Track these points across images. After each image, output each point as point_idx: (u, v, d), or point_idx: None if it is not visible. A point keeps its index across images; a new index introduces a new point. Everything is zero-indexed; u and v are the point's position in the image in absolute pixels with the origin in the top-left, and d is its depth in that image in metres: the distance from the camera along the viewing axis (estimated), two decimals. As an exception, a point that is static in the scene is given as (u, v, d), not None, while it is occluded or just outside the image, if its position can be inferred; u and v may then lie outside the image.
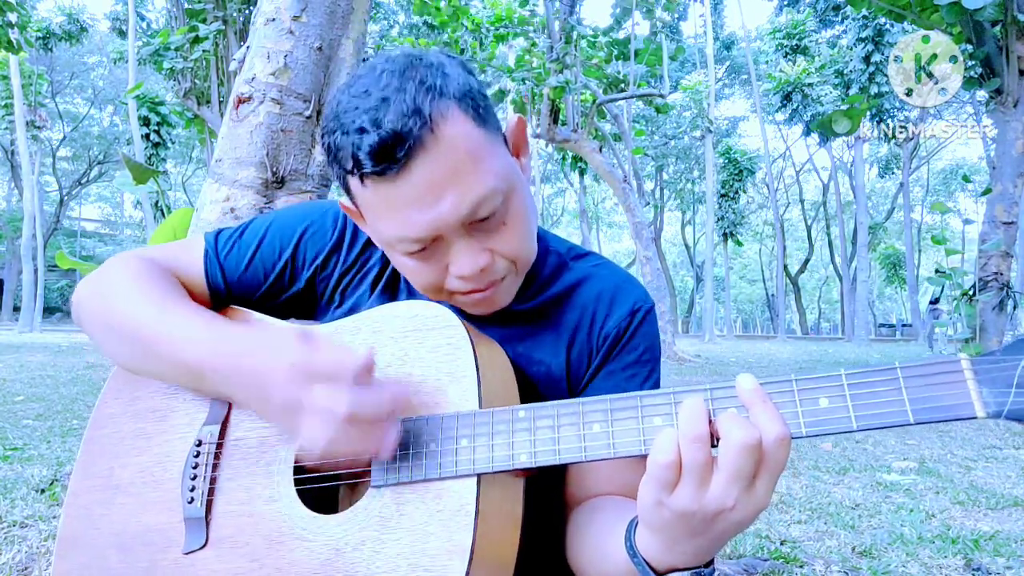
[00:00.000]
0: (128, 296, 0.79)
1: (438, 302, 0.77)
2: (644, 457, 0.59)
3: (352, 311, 0.88)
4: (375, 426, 0.64)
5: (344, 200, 0.79)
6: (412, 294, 0.88)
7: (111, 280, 0.82)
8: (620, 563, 0.63)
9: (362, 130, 0.66)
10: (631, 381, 0.83)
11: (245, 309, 0.88)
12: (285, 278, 0.88)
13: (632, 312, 0.85)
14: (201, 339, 0.72)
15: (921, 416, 0.54)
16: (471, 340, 0.72)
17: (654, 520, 0.57)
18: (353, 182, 0.71)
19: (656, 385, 0.86)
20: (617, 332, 0.84)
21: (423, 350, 0.73)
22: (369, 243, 0.89)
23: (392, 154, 0.65)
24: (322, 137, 0.72)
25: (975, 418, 0.52)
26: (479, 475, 0.66)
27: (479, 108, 0.70)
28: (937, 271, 6.58)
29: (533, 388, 0.84)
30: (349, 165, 0.68)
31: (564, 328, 0.85)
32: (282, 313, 0.90)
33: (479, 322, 0.85)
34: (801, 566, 2.08)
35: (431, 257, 0.73)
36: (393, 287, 0.89)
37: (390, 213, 0.69)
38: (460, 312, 0.84)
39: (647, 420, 0.62)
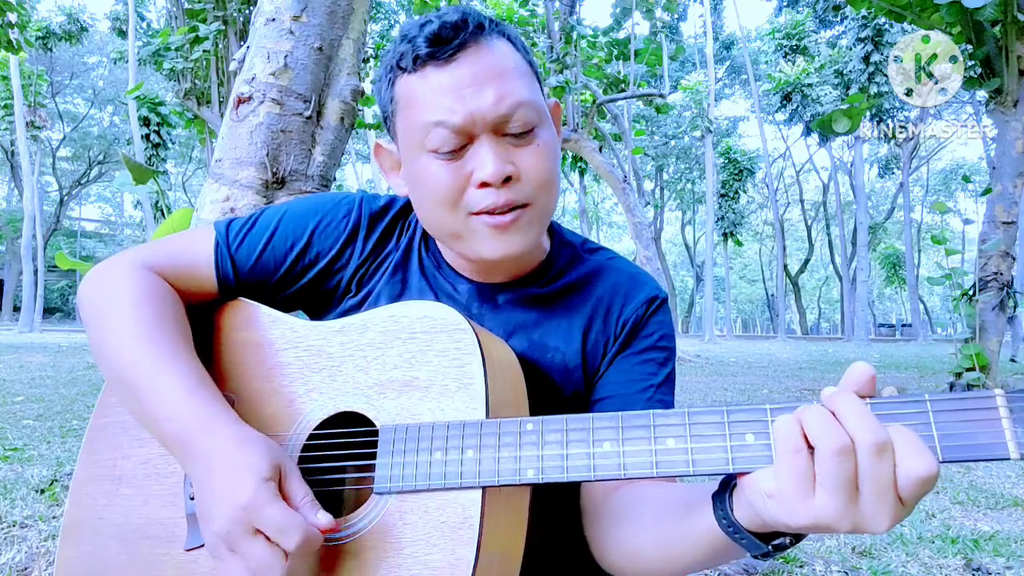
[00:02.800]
0: (123, 323, 0.77)
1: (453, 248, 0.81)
2: (655, 478, 0.58)
3: (365, 300, 0.88)
4: None
5: (382, 140, 0.84)
6: (424, 275, 0.88)
7: (112, 293, 0.80)
8: (705, 543, 0.61)
9: (423, 25, 0.74)
10: (646, 366, 0.84)
11: (247, 304, 0.88)
12: (297, 269, 0.88)
13: (648, 300, 0.87)
14: (185, 415, 0.69)
15: (950, 454, 0.51)
16: (480, 345, 0.71)
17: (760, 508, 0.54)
18: (401, 82, 0.76)
19: (671, 375, 0.86)
20: (635, 319, 0.85)
21: (431, 353, 0.72)
22: (385, 232, 0.90)
23: (446, 39, 0.72)
24: (378, 75, 0.81)
25: (1008, 459, 0.49)
26: (484, 488, 0.64)
27: (528, 59, 0.79)
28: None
29: (547, 377, 0.84)
30: (404, 59, 0.74)
31: (579, 317, 0.86)
32: (292, 303, 0.90)
33: (494, 304, 0.85)
34: (801, 566, 2.08)
35: (457, 162, 0.74)
36: (404, 270, 0.89)
37: (434, 98, 0.73)
38: (471, 304, 0.85)
39: (659, 441, 0.59)
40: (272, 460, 0.64)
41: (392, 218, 0.91)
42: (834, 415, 0.51)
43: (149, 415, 0.72)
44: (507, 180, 0.74)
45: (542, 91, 0.80)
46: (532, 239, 0.78)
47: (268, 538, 0.61)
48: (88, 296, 0.82)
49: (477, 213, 0.75)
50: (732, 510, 0.57)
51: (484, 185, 0.74)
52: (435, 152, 0.74)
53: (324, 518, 0.63)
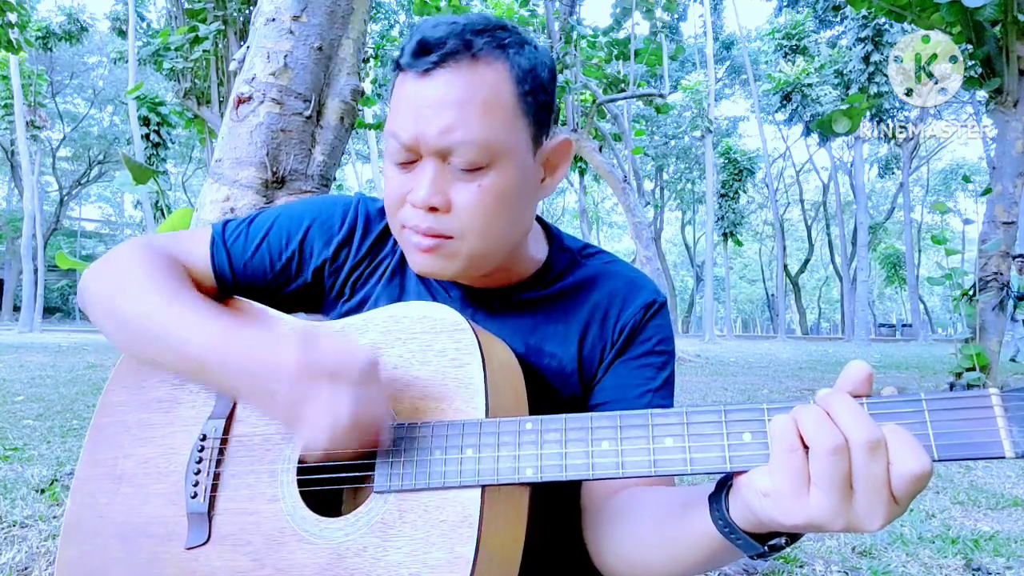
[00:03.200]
0: (136, 283, 0.78)
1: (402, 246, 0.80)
2: (653, 477, 0.59)
3: (362, 303, 0.88)
4: (378, 425, 0.66)
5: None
6: (421, 279, 0.88)
7: (119, 266, 0.82)
8: (702, 544, 0.61)
9: (429, 26, 0.73)
10: (644, 370, 0.84)
11: (249, 301, 0.88)
12: (292, 269, 0.88)
13: (646, 305, 0.86)
14: (209, 331, 0.72)
15: (945, 453, 0.51)
16: (480, 345, 0.71)
17: (756, 506, 0.55)
18: (395, 79, 0.76)
19: (670, 379, 0.86)
20: (632, 325, 0.85)
21: (430, 353, 0.72)
22: (381, 236, 0.90)
23: (426, 54, 0.71)
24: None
25: (1003, 458, 0.50)
26: (483, 486, 0.65)
27: (528, 92, 0.73)
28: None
29: (544, 382, 0.84)
30: (401, 56, 0.75)
31: (576, 322, 0.85)
32: (288, 305, 0.90)
33: (489, 309, 0.86)
34: (801, 566, 2.08)
35: (406, 174, 0.75)
36: (401, 274, 0.89)
37: (399, 108, 0.73)
38: (466, 303, 0.85)
39: (657, 440, 0.60)
40: (304, 330, 0.69)
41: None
42: (828, 414, 0.51)
43: (175, 347, 0.73)
44: (433, 208, 0.73)
45: (540, 129, 0.76)
46: (459, 268, 0.77)
47: (331, 378, 0.64)
48: (93, 275, 0.83)
49: (408, 227, 0.76)
50: (728, 511, 0.57)
51: (415, 205, 0.74)
52: (390, 159, 0.76)
53: (367, 345, 0.68)
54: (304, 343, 0.66)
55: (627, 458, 0.61)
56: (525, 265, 0.86)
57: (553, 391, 0.84)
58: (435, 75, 0.71)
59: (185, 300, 0.76)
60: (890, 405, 0.53)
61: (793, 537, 0.57)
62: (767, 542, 0.57)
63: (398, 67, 0.76)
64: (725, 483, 0.60)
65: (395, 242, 0.90)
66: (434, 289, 0.88)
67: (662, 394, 0.84)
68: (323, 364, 0.65)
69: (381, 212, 0.91)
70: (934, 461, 0.50)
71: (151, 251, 0.84)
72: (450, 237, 0.74)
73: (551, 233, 0.92)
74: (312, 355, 0.65)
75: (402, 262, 0.89)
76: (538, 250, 0.88)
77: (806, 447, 0.51)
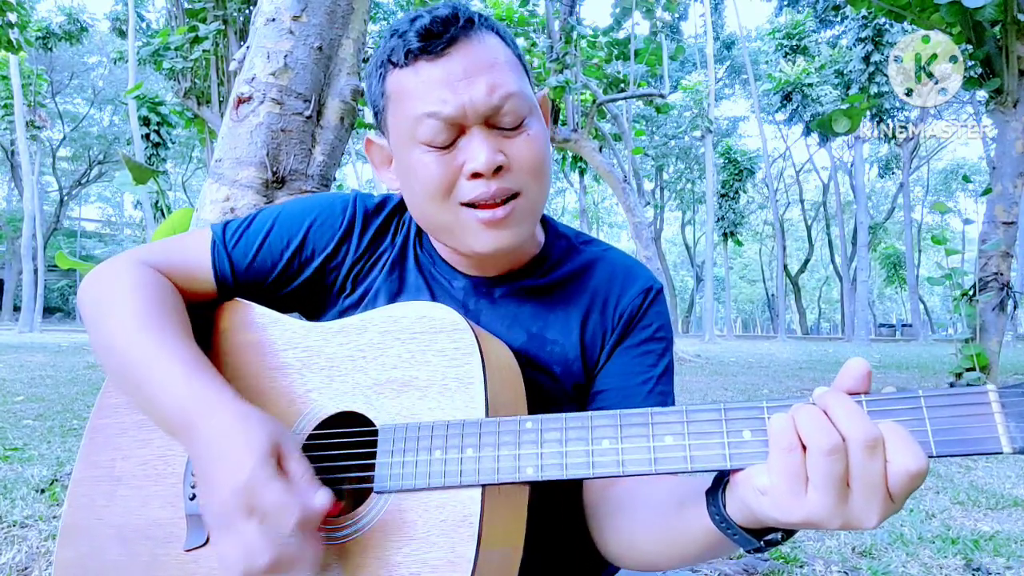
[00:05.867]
0: (121, 322, 0.77)
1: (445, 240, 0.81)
2: (653, 475, 0.59)
3: (363, 297, 0.89)
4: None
5: (372, 134, 0.85)
6: (421, 271, 0.88)
7: (110, 293, 0.80)
8: (699, 538, 0.62)
9: (414, 20, 0.75)
10: (646, 357, 0.85)
11: (248, 304, 0.88)
12: (293, 267, 0.88)
13: (644, 291, 0.87)
14: (178, 398, 0.69)
15: (944, 449, 0.51)
16: (479, 345, 0.71)
17: (753, 504, 0.55)
18: (392, 77, 0.77)
19: (670, 366, 0.86)
20: (632, 310, 0.86)
21: (430, 353, 0.72)
22: (380, 229, 0.90)
23: (437, 33, 0.73)
24: (368, 71, 0.82)
25: (1001, 453, 0.50)
26: (484, 486, 0.65)
27: (517, 52, 0.80)
28: None
29: (548, 370, 0.84)
30: (395, 54, 0.75)
31: (576, 308, 0.86)
32: (287, 304, 0.90)
33: (492, 299, 0.86)
34: (801, 566, 2.08)
35: (448, 154, 0.75)
36: (401, 267, 0.89)
37: (426, 91, 0.74)
38: (467, 299, 0.85)
39: (658, 438, 0.60)
40: (271, 438, 0.64)
41: (387, 216, 0.91)
42: (826, 414, 0.52)
43: (149, 399, 0.72)
44: (498, 170, 0.74)
45: (531, 84, 0.81)
46: (524, 232, 0.79)
47: (264, 519, 0.60)
48: (88, 291, 0.83)
49: (468, 204, 0.75)
50: (725, 507, 0.58)
51: (476, 176, 0.74)
52: (427, 144, 0.75)
53: (323, 497, 0.62)
54: (261, 460, 0.62)
55: (627, 456, 0.61)
56: (527, 247, 0.87)
57: (557, 379, 0.85)
58: (451, 52, 0.74)
59: (167, 351, 0.73)
60: (888, 402, 0.54)
61: (789, 533, 0.57)
62: (763, 537, 0.58)
63: (393, 64, 0.76)
64: (722, 479, 0.60)
65: (394, 235, 0.91)
66: (435, 281, 0.88)
67: (664, 380, 0.85)
68: (265, 501, 0.61)
69: (379, 207, 0.91)
70: (932, 457, 0.51)
71: (146, 276, 0.82)
72: (518, 194, 0.76)
73: (544, 218, 0.93)
74: (260, 484, 0.61)
75: (401, 255, 0.90)
76: (537, 231, 0.90)
77: (804, 446, 0.51)
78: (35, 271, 20.94)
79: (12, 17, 10.60)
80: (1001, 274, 6.00)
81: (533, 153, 0.76)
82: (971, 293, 6.04)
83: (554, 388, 0.84)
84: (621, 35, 11.48)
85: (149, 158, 19.06)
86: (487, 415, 0.67)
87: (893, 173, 34.82)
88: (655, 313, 0.87)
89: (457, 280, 0.88)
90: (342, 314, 0.87)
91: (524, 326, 0.85)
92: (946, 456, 0.51)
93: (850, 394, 0.54)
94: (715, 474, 0.61)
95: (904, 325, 39.03)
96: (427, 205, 0.78)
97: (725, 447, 0.57)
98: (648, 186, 35.30)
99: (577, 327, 0.85)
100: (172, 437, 0.72)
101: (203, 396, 0.69)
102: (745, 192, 31.22)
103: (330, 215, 0.89)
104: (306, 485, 0.63)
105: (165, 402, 0.70)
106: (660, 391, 0.83)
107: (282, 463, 0.64)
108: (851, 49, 22.33)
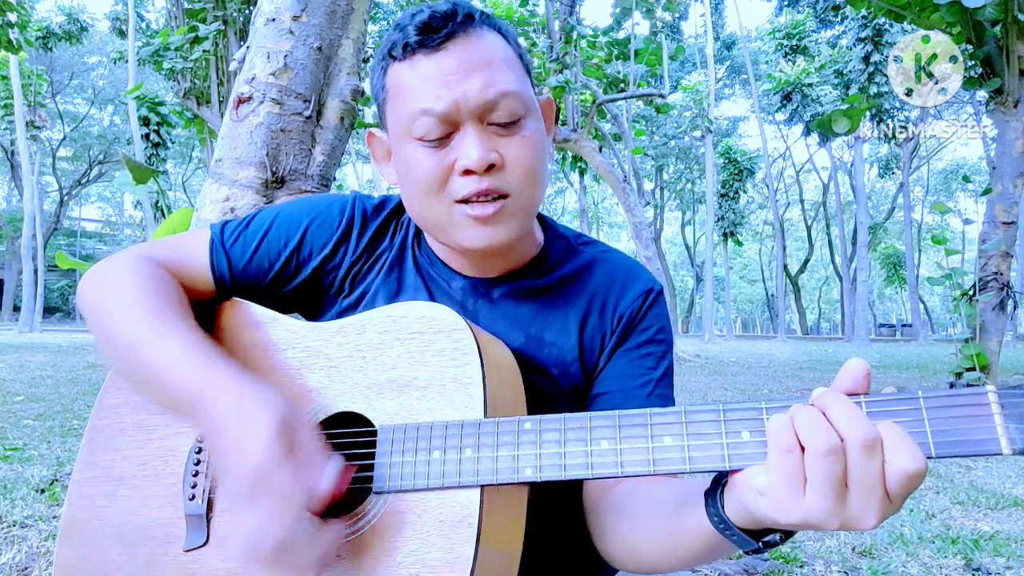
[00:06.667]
0: (126, 306, 0.77)
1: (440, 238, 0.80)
2: (652, 476, 0.59)
3: (360, 298, 0.88)
4: (301, 564, 0.63)
5: (375, 130, 0.86)
6: (419, 272, 0.88)
7: (113, 284, 0.81)
8: (698, 539, 0.62)
9: (415, 15, 0.75)
10: (646, 360, 0.84)
11: (247, 305, 0.88)
12: (290, 268, 0.88)
13: (644, 293, 0.87)
14: (185, 378, 0.69)
15: (943, 450, 0.51)
16: (478, 345, 0.71)
17: (752, 505, 0.55)
18: (391, 71, 0.77)
19: (670, 369, 0.86)
20: (631, 312, 0.85)
21: (428, 353, 0.72)
22: (379, 231, 0.90)
23: (436, 28, 0.74)
24: (372, 65, 0.82)
25: (1000, 454, 0.49)
26: (482, 486, 0.65)
27: (519, 51, 0.80)
28: None
29: (545, 372, 0.84)
30: (395, 47, 0.75)
31: (575, 310, 0.86)
32: (285, 305, 0.90)
33: (491, 300, 0.86)
34: (801, 566, 2.08)
35: (442, 150, 0.75)
36: (399, 268, 0.89)
37: (421, 86, 0.74)
38: (465, 300, 0.85)
39: (656, 439, 0.60)
40: (281, 416, 0.64)
41: (385, 217, 0.91)
42: (824, 415, 0.52)
43: (158, 377, 0.72)
44: (490, 168, 0.74)
45: (533, 86, 0.81)
46: (515, 230, 0.78)
47: (273, 503, 0.61)
48: (90, 284, 0.83)
49: (460, 201, 0.75)
50: (723, 507, 0.58)
51: (468, 172, 0.74)
52: (421, 140, 0.75)
53: (333, 467, 0.63)
54: (272, 440, 0.62)
55: (626, 457, 0.61)
56: (527, 245, 0.87)
57: (555, 381, 0.84)
58: (449, 47, 0.74)
59: (172, 333, 0.74)
60: (888, 403, 0.53)
61: (788, 534, 0.57)
62: (761, 538, 0.58)
63: (392, 58, 0.76)
64: (721, 479, 0.60)
65: (392, 236, 0.91)
66: (433, 282, 0.88)
67: (664, 383, 0.84)
68: (275, 481, 0.61)
69: (377, 208, 0.91)
70: (932, 458, 0.51)
71: (147, 268, 0.82)
72: (507, 195, 0.75)
73: (543, 219, 0.93)
74: (270, 463, 0.61)
75: (399, 256, 0.89)
76: (536, 231, 0.89)
77: (802, 448, 0.51)
78: (35, 271, 20.94)
79: (12, 17, 10.60)
80: (1001, 274, 6.00)
81: (527, 154, 0.76)
82: (971, 293, 6.04)
83: (551, 390, 0.84)
84: (621, 35, 11.49)
85: (149, 158, 19.05)
86: (486, 415, 0.67)
87: (893, 173, 34.82)
88: (655, 315, 0.87)
89: (455, 280, 0.87)
90: (340, 315, 0.87)
91: (522, 327, 0.85)
92: (945, 457, 0.51)
93: (849, 395, 0.54)
94: (713, 475, 0.61)
95: (904, 325, 39.05)
96: (421, 200, 0.78)
97: (724, 448, 0.57)
98: (648, 186, 35.30)
99: (576, 329, 0.85)
100: (182, 416, 0.71)
101: (211, 375, 0.69)
102: (745, 192, 31.22)
103: (328, 216, 0.89)
104: (317, 459, 0.64)
105: (173, 381, 0.70)
106: (660, 394, 0.82)
107: (293, 437, 0.64)
108: (851, 49, 22.35)
